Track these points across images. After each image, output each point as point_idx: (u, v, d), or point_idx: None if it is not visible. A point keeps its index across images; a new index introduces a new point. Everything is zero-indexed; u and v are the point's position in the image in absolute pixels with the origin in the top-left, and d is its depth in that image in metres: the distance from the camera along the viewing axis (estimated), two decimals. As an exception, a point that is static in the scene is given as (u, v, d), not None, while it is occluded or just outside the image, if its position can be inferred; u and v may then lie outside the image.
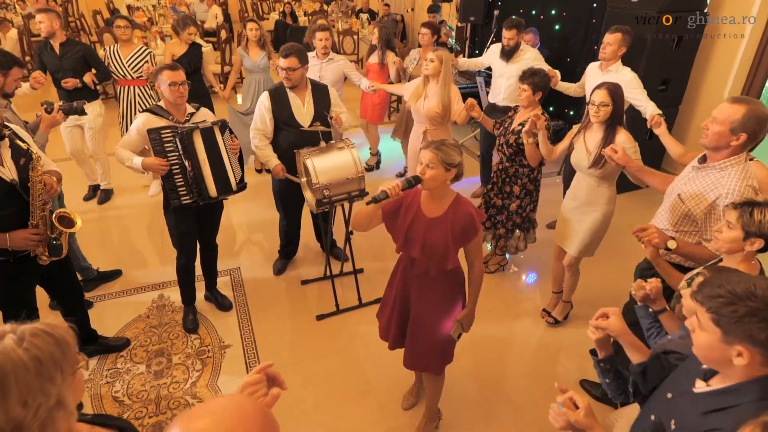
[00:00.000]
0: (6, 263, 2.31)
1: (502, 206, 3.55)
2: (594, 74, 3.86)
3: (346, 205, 3.26)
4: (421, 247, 2.11)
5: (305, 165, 3.04)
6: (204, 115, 2.91)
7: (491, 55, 4.61)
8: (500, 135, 3.41)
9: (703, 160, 2.17)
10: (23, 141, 2.31)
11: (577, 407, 1.36)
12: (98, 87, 4.59)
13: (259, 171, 5.41)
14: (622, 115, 2.75)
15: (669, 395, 1.36)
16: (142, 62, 4.48)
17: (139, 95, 4.62)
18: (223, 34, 8.73)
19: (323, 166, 3.00)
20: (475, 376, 2.95)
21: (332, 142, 3.22)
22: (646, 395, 1.47)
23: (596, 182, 2.87)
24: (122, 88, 4.58)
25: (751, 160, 2.28)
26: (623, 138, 2.69)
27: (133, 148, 2.85)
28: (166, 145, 2.75)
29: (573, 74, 5.77)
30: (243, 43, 5.02)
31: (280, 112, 3.22)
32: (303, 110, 3.25)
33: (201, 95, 4.83)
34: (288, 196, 3.50)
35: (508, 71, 4.41)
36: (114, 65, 4.46)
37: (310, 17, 10.68)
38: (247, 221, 4.52)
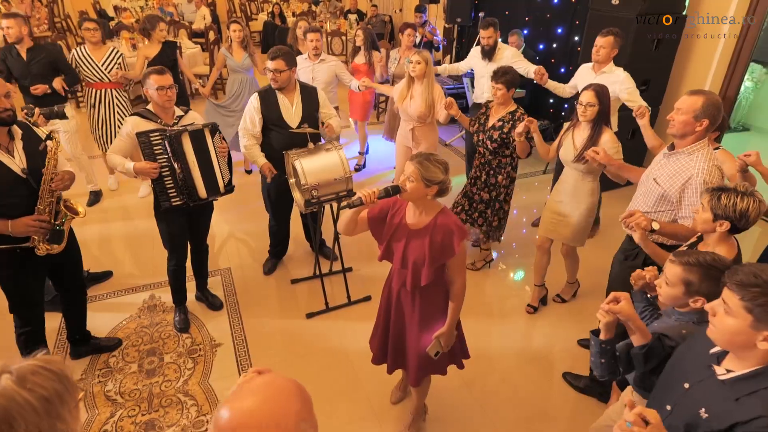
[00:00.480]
0: (12, 252, 2.37)
1: (489, 199, 3.65)
2: (587, 76, 3.98)
3: (335, 205, 3.33)
4: (400, 258, 2.12)
5: (294, 166, 3.10)
6: (192, 118, 2.97)
7: (472, 58, 4.74)
8: (478, 132, 3.57)
9: (672, 147, 2.37)
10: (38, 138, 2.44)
11: (647, 423, 1.28)
12: (68, 92, 4.56)
13: (249, 172, 5.46)
14: (608, 115, 2.92)
15: (686, 385, 1.43)
16: (117, 64, 4.48)
17: (117, 97, 4.62)
18: (212, 36, 8.74)
19: (311, 167, 3.06)
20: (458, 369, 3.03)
21: (320, 143, 3.28)
22: (643, 373, 1.63)
23: (581, 176, 3.07)
24: (98, 91, 4.54)
25: (717, 149, 2.69)
26: (607, 137, 2.86)
27: (124, 152, 2.88)
28: (155, 147, 2.80)
29: (558, 74, 5.91)
30: (227, 43, 5.13)
31: (269, 112, 3.28)
32: (291, 111, 3.31)
33: (177, 94, 4.89)
34: (277, 197, 3.56)
35: (488, 70, 4.49)
36: (87, 69, 4.42)
37: (299, 18, 10.72)
38: (238, 222, 4.57)
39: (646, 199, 2.48)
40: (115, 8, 10.69)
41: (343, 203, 2.04)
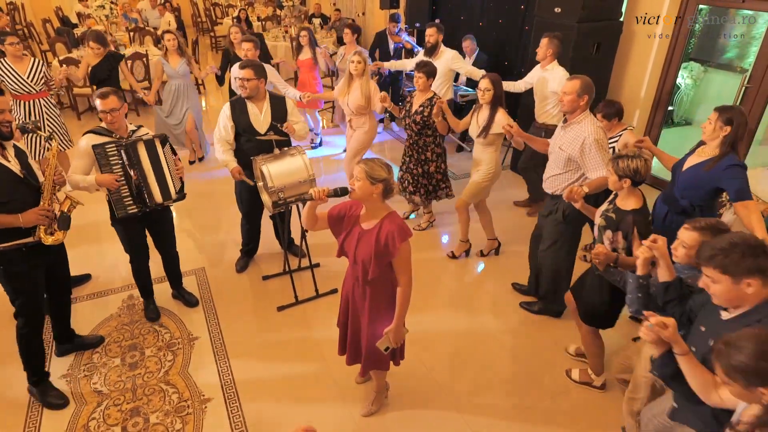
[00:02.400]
0: (19, 250, 2.57)
1: (423, 172, 4.33)
2: (535, 73, 4.64)
3: (301, 205, 3.60)
4: (353, 255, 2.33)
5: (261, 170, 3.36)
6: (145, 132, 3.15)
7: (418, 57, 5.24)
8: (404, 117, 4.24)
9: (565, 121, 3.11)
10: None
11: (666, 326, 1.68)
12: None
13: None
14: (502, 98, 3.73)
15: (702, 328, 1.85)
16: (41, 74, 4.64)
17: (45, 106, 4.76)
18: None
19: (277, 171, 3.33)
20: (414, 346, 3.34)
21: (285, 149, 3.55)
22: (659, 306, 2.04)
23: (483, 147, 3.86)
24: (24, 103, 4.64)
25: (625, 129, 3.53)
26: (501, 116, 3.67)
27: (82, 171, 3.01)
28: (110, 158, 2.96)
29: (511, 75, 6.27)
30: (162, 51, 5.57)
31: (239, 120, 3.53)
32: (260, 119, 3.56)
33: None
34: (248, 199, 3.81)
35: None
36: (13, 82, 4.52)
37: (264, 23, 10.89)
38: (210, 225, 4.80)
39: (557, 164, 3.18)
40: (78, 15, 10.66)
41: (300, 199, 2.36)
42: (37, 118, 4.73)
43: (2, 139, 2.53)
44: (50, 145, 2.75)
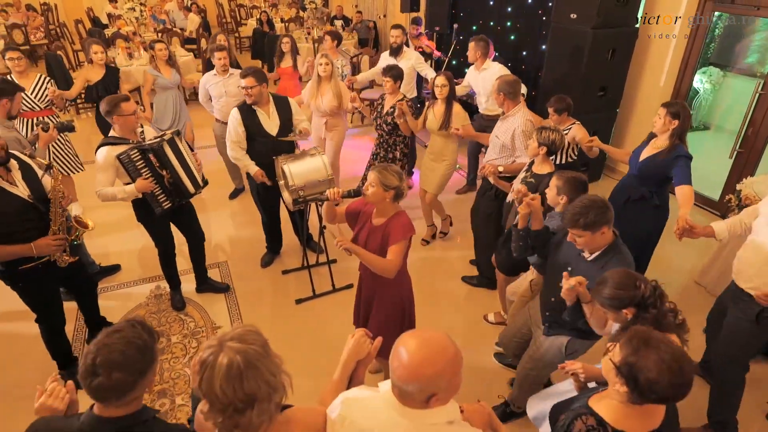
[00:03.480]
0: (35, 269, 2.69)
1: None
2: (472, 74, 5.09)
3: (319, 203, 3.78)
4: (364, 247, 2.50)
5: (282, 170, 3.55)
6: (151, 133, 3.32)
7: (382, 60, 5.54)
8: (376, 118, 4.52)
9: (503, 114, 3.66)
10: (37, 158, 2.75)
11: (581, 284, 2.14)
12: None
13: None
14: (455, 94, 4.15)
15: (570, 268, 2.30)
16: (46, 90, 4.38)
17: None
18: (204, 43, 9.12)
19: (298, 170, 3.51)
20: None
21: (305, 149, 3.73)
22: (534, 248, 2.58)
23: (443, 140, 4.17)
24: (28, 120, 4.38)
25: (573, 123, 3.79)
26: (458, 109, 4.05)
27: (108, 182, 3.13)
28: (137, 163, 3.07)
29: (528, 80, 6.37)
30: (152, 63, 5.29)
31: (251, 125, 3.70)
32: (269, 121, 3.74)
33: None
34: (264, 196, 3.99)
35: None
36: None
37: (287, 24, 11.14)
38: (233, 224, 5.03)
39: (494, 150, 3.74)
40: (109, 16, 11.00)
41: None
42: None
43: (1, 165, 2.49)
44: (50, 174, 2.67)
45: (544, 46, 6.15)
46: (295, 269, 4.25)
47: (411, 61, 5.37)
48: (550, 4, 5.67)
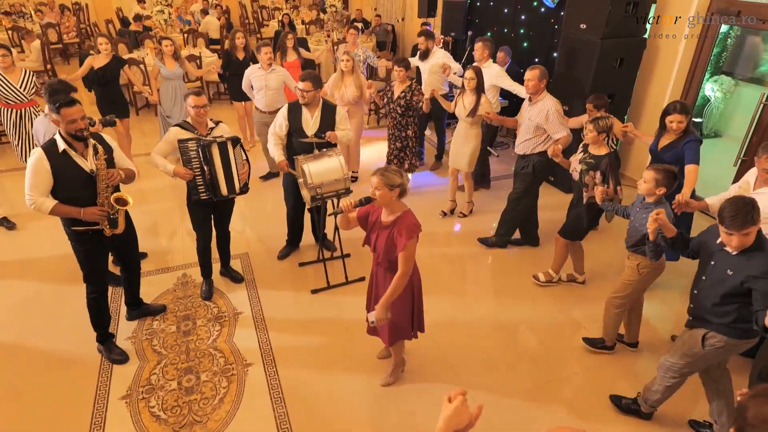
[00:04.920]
0: (86, 234, 3.11)
1: (403, 146, 5.35)
2: None
3: (336, 200, 4.05)
4: (373, 245, 2.79)
5: (302, 169, 3.83)
6: (221, 130, 3.70)
7: (414, 61, 6.21)
8: (388, 103, 5.20)
9: (530, 100, 4.26)
10: (105, 144, 3.17)
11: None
12: None
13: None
14: (483, 86, 4.69)
15: (713, 262, 2.55)
16: (32, 83, 4.94)
17: (34, 113, 5.02)
18: (227, 44, 9.44)
19: (316, 169, 3.78)
20: (429, 329, 3.74)
21: (324, 149, 4.00)
22: (677, 249, 2.79)
23: (469, 125, 4.81)
24: (16, 111, 4.97)
25: (608, 116, 3.95)
26: (484, 100, 4.64)
27: (164, 153, 3.65)
28: (190, 152, 3.54)
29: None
30: (159, 56, 6.18)
31: (293, 121, 4.02)
32: (310, 123, 4.03)
33: (118, 103, 5.85)
34: (294, 190, 4.28)
35: (425, 68, 6.02)
36: (7, 91, 4.82)
37: (307, 26, 11.44)
38: (255, 219, 5.33)
39: (528, 131, 4.30)
40: (135, 17, 11.34)
41: (330, 212, 2.88)
42: (28, 125, 5.01)
43: (79, 141, 2.96)
44: (97, 152, 3.05)
45: (555, 54, 6.34)
46: (311, 262, 4.53)
47: (439, 60, 5.90)
48: (562, 13, 5.86)
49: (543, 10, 6.53)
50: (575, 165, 3.79)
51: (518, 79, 5.75)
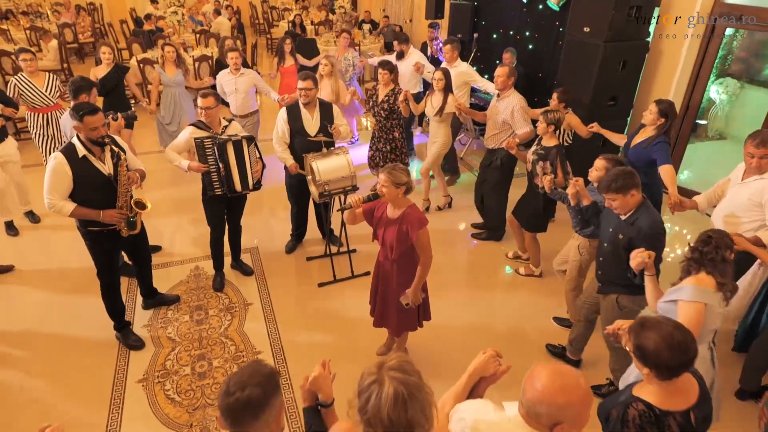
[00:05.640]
0: (101, 233, 3.26)
1: (391, 148, 5.28)
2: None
3: (342, 196, 4.20)
4: (382, 239, 2.96)
5: (311, 166, 3.98)
6: (234, 129, 3.86)
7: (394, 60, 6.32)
8: (373, 106, 5.22)
9: (498, 95, 4.47)
10: (122, 150, 3.27)
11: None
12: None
13: None
14: (451, 86, 4.86)
15: (611, 229, 2.86)
16: (56, 87, 4.95)
17: (60, 117, 4.95)
18: (239, 44, 9.63)
19: (325, 167, 3.94)
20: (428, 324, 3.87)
21: (332, 148, 4.16)
22: (585, 219, 3.26)
23: (438, 124, 4.99)
24: (42, 115, 4.97)
25: (568, 112, 4.50)
26: (451, 99, 4.78)
27: (178, 150, 3.82)
28: (206, 150, 3.71)
29: (544, 88, 6.69)
30: (160, 62, 6.05)
31: (294, 123, 4.15)
32: (311, 123, 4.18)
33: (120, 110, 5.43)
34: (296, 188, 4.44)
35: (402, 68, 6.13)
36: (32, 95, 4.84)
37: (317, 27, 11.61)
38: (264, 215, 5.52)
39: (495, 126, 4.55)
40: (146, 16, 11.52)
41: (337, 208, 3.16)
42: (54, 128, 5.06)
43: (99, 146, 3.09)
44: (120, 158, 3.18)
45: (560, 56, 6.45)
46: (318, 257, 4.68)
47: (415, 61, 6.21)
48: (567, 16, 5.97)
49: (548, 12, 6.64)
50: (530, 156, 4.02)
51: (522, 81, 5.91)
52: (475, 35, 7.32)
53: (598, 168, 3.20)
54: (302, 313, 4.03)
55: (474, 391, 1.77)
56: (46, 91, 4.93)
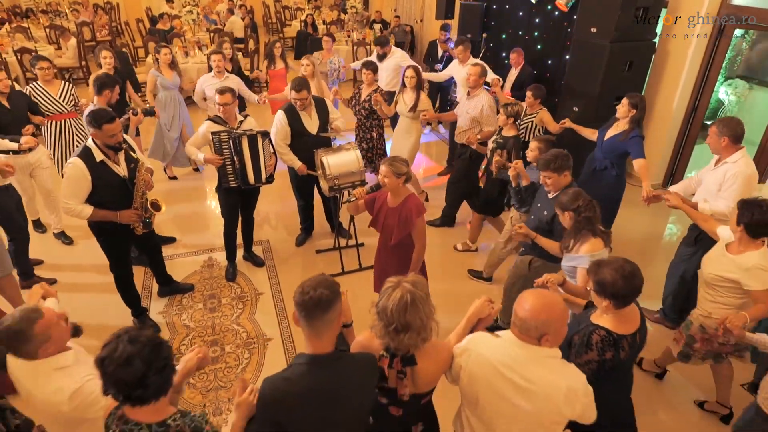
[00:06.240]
0: (113, 231, 3.37)
1: (369, 147, 5.40)
2: (455, 67, 6.10)
3: (350, 190, 4.33)
4: (381, 226, 3.13)
5: (321, 161, 4.12)
6: (249, 123, 4.02)
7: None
8: (355, 105, 5.36)
9: (468, 94, 4.77)
10: (133, 151, 3.41)
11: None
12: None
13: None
14: (422, 84, 5.13)
15: (539, 204, 3.22)
16: (70, 95, 4.83)
17: (75, 125, 4.94)
18: (251, 44, 9.80)
19: (335, 162, 4.07)
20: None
21: (341, 144, 4.29)
22: (524, 198, 3.56)
23: (410, 121, 5.14)
24: (58, 122, 4.82)
25: (541, 108, 4.78)
26: (423, 96, 5.02)
27: (197, 145, 3.97)
28: (222, 144, 3.86)
29: (552, 87, 6.76)
30: (155, 65, 5.91)
31: (295, 125, 4.27)
32: (311, 121, 4.32)
33: (120, 113, 5.14)
34: (301, 182, 4.59)
35: (383, 67, 6.42)
36: (47, 103, 4.70)
37: (328, 26, 11.76)
38: (275, 210, 5.67)
39: (465, 123, 4.81)
40: (160, 15, 11.69)
41: (344, 199, 3.30)
42: (68, 137, 4.93)
43: (114, 151, 3.20)
44: (137, 163, 3.33)
45: (568, 56, 6.53)
46: (327, 249, 4.82)
47: (397, 59, 6.38)
48: (575, 17, 6.05)
49: (557, 13, 6.72)
50: (490, 145, 4.34)
51: (529, 81, 6.01)
52: (484, 35, 7.41)
53: (533, 149, 3.59)
54: (311, 303, 4.16)
55: (473, 331, 2.09)
56: (60, 98, 4.81)
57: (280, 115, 4.24)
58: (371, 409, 1.90)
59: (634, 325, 2.18)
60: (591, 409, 1.85)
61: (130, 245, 3.74)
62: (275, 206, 5.67)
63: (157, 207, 3.50)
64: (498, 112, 4.48)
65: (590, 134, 4.47)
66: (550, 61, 6.94)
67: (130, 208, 3.34)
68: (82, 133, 5.00)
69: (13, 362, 1.89)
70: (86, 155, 3.13)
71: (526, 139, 4.63)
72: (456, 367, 1.89)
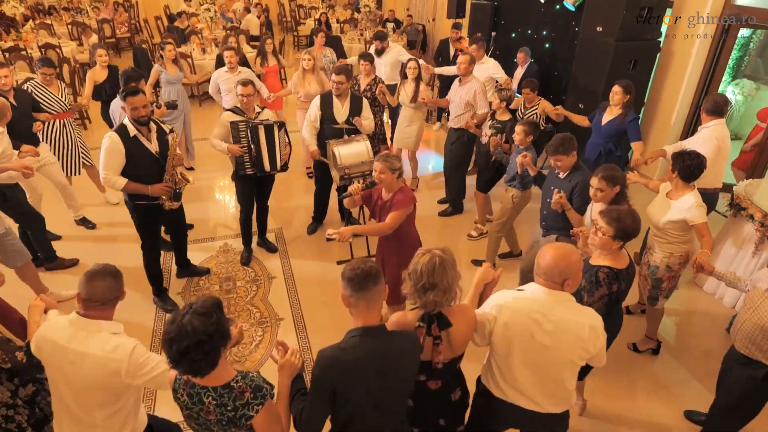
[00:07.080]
0: (146, 206, 3.64)
1: (371, 134, 5.16)
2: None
3: (361, 180, 4.52)
4: (378, 218, 3.27)
5: (333, 152, 4.32)
6: (267, 115, 4.23)
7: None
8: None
9: (460, 81, 5.02)
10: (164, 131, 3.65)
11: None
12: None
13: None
14: (421, 74, 5.37)
15: (552, 187, 3.40)
16: (66, 96, 4.96)
17: (69, 124, 5.05)
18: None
19: (346, 152, 4.28)
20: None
21: (352, 135, 4.49)
22: (527, 183, 4.02)
23: (413, 111, 5.46)
24: (59, 122, 4.92)
25: (540, 100, 5.21)
26: (423, 87, 5.33)
27: (220, 137, 4.16)
28: (240, 133, 4.06)
29: (559, 85, 6.91)
30: (160, 60, 6.06)
31: (326, 110, 4.52)
32: (341, 111, 4.54)
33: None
34: (320, 169, 4.83)
35: (381, 63, 6.52)
36: (52, 101, 4.80)
37: (342, 25, 11.97)
38: (287, 199, 5.87)
39: (459, 108, 5.07)
40: (178, 13, 11.99)
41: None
42: (69, 133, 5.01)
43: (143, 125, 3.43)
44: (171, 137, 3.60)
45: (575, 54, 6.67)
46: (338, 238, 5.03)
47: (395, 54, 6.58)
48: (583, 16, 6.19)
49: (565, 12, 6.86)
50: (486, 131, 4.64)
51: (537, 79, 6.15)
52: (494, 34, 7.57)
53: (518, 132, 3.93)
54: (321, 287, 4.37)
55: (482, 296, 2.32)
56: (61, 96, 4.92)
57: (316, 98, 4.61)
58: (412, 390, 2.04)
59: (625, 261, 2.60)
60: (604, 351, 2.11)
61: (161, 224, 3.96)
62: (289, 197, 5.89)
63: (186, 179, 3.73)
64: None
65: (580, 120, 4.99)
66: (558, 60, 7.08)
67: (161, 182, 3.57)
68: (76, 131, 5.12)
69: (60, 332, 1.97)
70: (121, 130, 3.40)
71: None
72: (488, 323, 2.10)
